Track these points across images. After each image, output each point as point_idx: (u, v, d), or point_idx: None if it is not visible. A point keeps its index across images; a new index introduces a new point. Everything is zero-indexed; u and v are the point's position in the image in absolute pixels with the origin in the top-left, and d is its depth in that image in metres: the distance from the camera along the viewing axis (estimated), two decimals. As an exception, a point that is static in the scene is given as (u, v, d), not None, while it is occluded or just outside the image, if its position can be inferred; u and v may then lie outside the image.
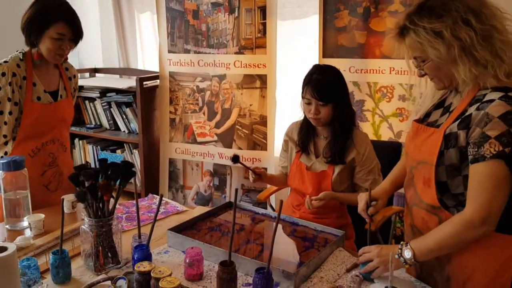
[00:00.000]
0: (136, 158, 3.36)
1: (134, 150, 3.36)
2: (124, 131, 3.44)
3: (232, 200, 2.97)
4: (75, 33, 1.97)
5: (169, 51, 3.12)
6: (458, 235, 1.27)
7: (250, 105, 2.95)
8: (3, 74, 1.94)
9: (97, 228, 1.47)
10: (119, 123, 3.45)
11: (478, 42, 1.23)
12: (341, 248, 1.65)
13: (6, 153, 2.04)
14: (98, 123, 3.54)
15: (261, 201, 2.50)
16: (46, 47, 1.96)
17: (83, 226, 1.51)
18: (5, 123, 1.98)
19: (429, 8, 1.26)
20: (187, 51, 3.06)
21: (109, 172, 1.49)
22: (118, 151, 3.43)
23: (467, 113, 1.28)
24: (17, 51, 2.03)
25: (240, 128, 2.99)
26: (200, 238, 1.66)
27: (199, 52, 3.03)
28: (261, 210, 1.93)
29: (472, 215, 1.25)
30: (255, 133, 2.96)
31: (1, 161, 1.76)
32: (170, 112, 3.19)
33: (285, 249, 1.66)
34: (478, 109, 1.25)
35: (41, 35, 1.94)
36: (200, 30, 3.00)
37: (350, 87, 2.74)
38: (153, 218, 1.51)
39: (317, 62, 2.77)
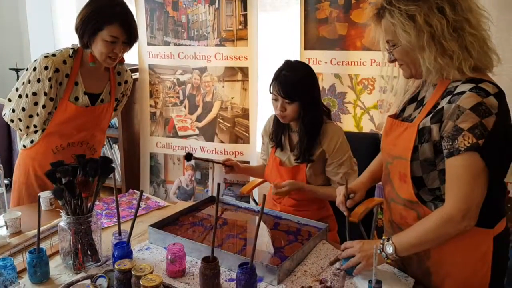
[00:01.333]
0: (116, 153, 3.30)
1: (114, 145, 3.30)
2: (103, 126, 3.37)
3: (215, 194, 2.95)
4: (129, 36, 1.89)
5: (149, 43, 3.06)
6: (439, 230, 1.27)
7: (232, 98, 2.91)
8: (46, 68, 1.88)
9: (75, 225, 1.44)
10: (98, 117, 3.38)
11: (448, 31, 1.23)
12: (324, 241, 1.65)
13: (32, 141, 2.02)
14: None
15: (244, 195, 2.49)
16: (98, 50, 1.88)
17: (61, 224, 1.47)
18: (37, 114, 1.95)
19: None
20: (167, 43, 3.01)
21: (87, 168, 1.46)
22: (98, 145, 3.36)
23: (439, 107, 1.28)
24: (71, 45, 1.97)
25: (222, 121, 2.96)
26: (182, 234, 1.64)
27: (179, 44, 2.98)
28: (244, 204, 1.92)
29: (451, 209, 1.25)
30: (237, 127, 2.93)
31: (-25, 158, 1.70)
32: (151, 105, 3.14)
33: (268, 243, 1.65)
34: (449, 102, 1.25)
35: (94, 37, 1.86)
36: (180, 22, 2.95)
37: (332, 79, 2.74)
38: (133, 214, 1.49)
39: (298, 54, 2.75)
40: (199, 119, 3.03)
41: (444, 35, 1.23)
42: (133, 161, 3.23)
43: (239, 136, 2.93)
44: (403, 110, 1.45)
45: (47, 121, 1.99)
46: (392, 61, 1.37)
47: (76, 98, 1.98)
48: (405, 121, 1.39)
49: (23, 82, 1.94)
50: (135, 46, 3.08)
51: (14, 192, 2.14)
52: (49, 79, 1.89)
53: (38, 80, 1.90)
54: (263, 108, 2.90)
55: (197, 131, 3.05)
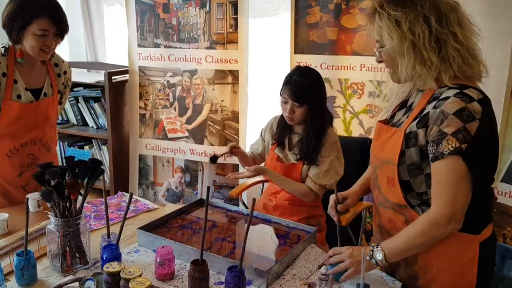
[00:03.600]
0: (104, 154, 3.28)
1: (103, 146, 3.29)
2: (92, 127, 3.36)
3: (204, 197, 2.95)
4: (59, 28, 1.86)
5: (139, 45, 3.05)
6: (426, 234, 1.29)
7: (222, 100, 2.92)
8: None
9: (64, 228, 1.43)
10: (87, 119, 3.36)
11: (429, 42, 1.25)
12: (313, 245, 1.66)
13: None
14: (65, 119, 3.44)
15: (233, 198, 2.49)
16: (29, 44, 1.84)
17: (49, 226, 1.46)
18: None
19: None
20: (157, 45, 3.01)
21: (76, 170, 1.45)
22: (86, 147, 3.35)
23: (425, 111, 1.30)
24: (1, 44, 1.91)
25: (211, 124, 2.96)
26: (171, 237, 1.64)
27: (169, 47, 2.98)
28: (233, 207, 1.92)
29: (437, 213, 1.26)
30: (227, 129, 2.94)
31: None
32: (140, 107, 3.13)
33: (257, 246, 1.66)
34: (434, 107, 1.27)
35: (23, 32, 1.82)
36: (171, 24, 2.95)
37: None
38: (122, 217, 1.48)
39: (288, 58, 2.77)
40: (189, 122, 3.03)
41: (425, 45, 1.25)
42: (122, 163, 3.21)
43: (229, 138, 2.94)
44: (393, 116, 1.47)
45: None
46: (379, 61, 1.40)
47: (19, 96, 1.92)
48: (394, 126, 1.40)
49: None
50: (125, 48, 3.11)
51: None
52: None
53: None
54: (253, 111, 2.91)
55: (186, 134, 3.05)
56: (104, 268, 1.31)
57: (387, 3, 1.28)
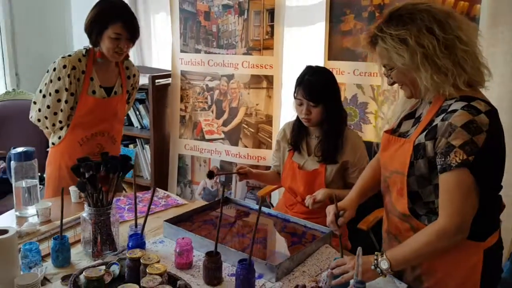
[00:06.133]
0: (147, 153, 3.47)
1: (146, 145, 3.48)
2: (137, 127, 3.57)
3: (238, 197, 3.07)
4: (131, 33, 2.13)
5: (181, 51, 3.22)
6: (433, 244, 1.31)
7: (257, 104, 3.03)
8: (64, 66, 2.13)
9: (95, 216, 1.58)
10: (132, 119, 3.58)
11: (440, 50, 1.27)
12: (327, 245, 1.72)
13: (60, 137, 2.25)
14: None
15: (261, 198, 2.58)
16: (105, 46, 2.13)
17: (83, 215, 1.62)
18: (61, 110, 2.18)
19: (397, 17, 1.32)
20: (198, 51, 3.16)
21: (108, 165, 1.60)
22: (131, 145, 3.56)
23: (433, 124, 1.33)
24: (83, 47, 2.22)
25: (246, 126, 3.08)
26: (193, 230, 1.75)
27: (209, 52, 3.12)
28: (255, 206, 2.02)
29: (445, 224, 1.29)
30: (261, 132, 3.04)
31: (13, 152, 1.89)
32: (181, 109, 3.30)
33: (274, 243, 1.74)
34: (443, 119, 1.30)
35: (100, 35, 2.12)
36: (211, 31, 3.10)
37: (354, 90, 2.80)
38: (153, 210, 1.62)
39: (322, 64, 2.83)
40: (225, 124, 3.16)
41: (437, 53, 1.28)
42: (163, 161, 3.39)
43: (262, 141, 3.03)
44: (399, 125, 1.50)
45: (71, 116, 2.21)
46: (391, 84, 1.43)
47: (94, 92, 2.21)
48: (402, 136, 1.44)
49: (45, 83, 2.17)
50: (169, 53, 3.29)
51: (48, 187, 2.33)
52: (68, 76, 2.13)
53: (59, 78, 2.13)
54: (286, 115, 2.99)
55: (222, 135, 3.18)
56: (127, 254, 1.44)
57: (386, 26, 1.32)
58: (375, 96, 2.76)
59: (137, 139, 3.54)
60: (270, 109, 3.00)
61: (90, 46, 2.21)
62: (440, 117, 1.32)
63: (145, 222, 1.60)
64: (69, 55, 2.16)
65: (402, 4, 1.35)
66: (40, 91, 2.19)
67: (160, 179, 3.39)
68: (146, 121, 3.49)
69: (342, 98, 2.87)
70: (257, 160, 3.04)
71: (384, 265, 1.34)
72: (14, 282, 1.23)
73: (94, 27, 2.12)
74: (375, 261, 1.36)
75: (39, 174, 2.30)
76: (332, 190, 1.97)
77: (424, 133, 1.35)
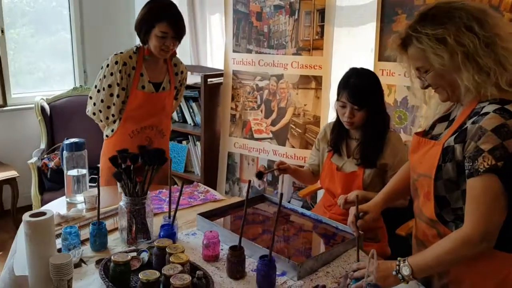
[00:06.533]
0: (198, 150, 3.58)
1: (197, 142, 3.59)
2: (190, 124, 3.69)
3: (284, 195, 3.08)
4: (176, 32, 2.24)
5: (234, 51, 3.29)
6: (457, 252, 1.26)
7: (305, 105, 3.02)
8: (116, 63, 2.28)
9: (131, 205, 1.67)
10: (186, 116, 3.70)
11: (481, 48, 1.22)
12: (356, 248, 1.69)
13: (112, 130, 2.42)
14: (170, 116, 3.82)
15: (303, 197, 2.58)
16: (152, 44, 2.26)
17: (121, 203, 1.71)
18: (114, 104, 2.33)
19: (432, 16, 1.27)
20: (249, 51, 3.22)
21: (144, 158, 1.68)
22: (184, 142, 3.68)
23: (464, 126, 1.27)
24: (135, 45, 2.38)
25: (294, 127, 3.08)
26: (224, 224, 1.80)
27: (260, 52, 3.17)
28: (289, 205, 2.02)
29: (470, 231, 1.23)
30: (308, 133, 3.03)
31: (65, 143, 2.04)
32: (231, 108, 3.37)
33: (302, 242, 1.74)
34: (473, 122, 1.24)
35: (148, 34, 2.25)
36: (262, 31, 3.14)
37: (404, 92, 2.71)
38: (191, 204, 1.68)
39: (372, 65, 2.77)
40: (273, 123, 3.19)
41: (478, 52, 1.22)
42: (213, 158, 3.48)
43: (309, 142, 3.02)
44: (432, 127, 1.45)
45: (122, 110, 2.34)
46: (425, 87, 1.38)
47: (143, 87, 2.33)
48: (434, 139, 1.39)
49: (100, 79, 2.32)
50: (222, 53, 3.38)
51: (102, 177, 2.47)
52: (120, 71, 2.26)
53: (111, 74, 2.28)
54: (334, 116, 2.95)
55: (271, 135, 3.21)
56: (155, 243, 1.51)
57: (421, 25, 1.27)
58: (426, 99, 2.65)
59: (189, 136, 3.66)
60: (318, 110, 2.98)
61: (140, 44, 2.34)
62: (472, 119, 1.26)
63: (175, 214, 1.66)
64: (121, 52, 2.31)
65: (434, 4, 1.30)
66: (95, 86, 2.35)
67: (210, 176, 3.48)
68: (199, 119, 3.60)
69: (392, 100, 2.81)
70: (304, 161, 3.03)
71: (405, 271, 1.30)
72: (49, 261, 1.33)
73: (143, 26, 2.25)
74: (397, 267, 1.32)
75: (98, 165, 2.49)
76: (366, 192, 1.94)
77: (454, 136, 1.29)
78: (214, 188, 3.43)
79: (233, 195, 3.37)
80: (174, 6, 2.29)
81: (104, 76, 2.30)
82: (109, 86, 2.29)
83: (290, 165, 2.15)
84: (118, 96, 2.30)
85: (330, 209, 2.13)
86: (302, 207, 2.88)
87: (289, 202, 3.06)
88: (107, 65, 2.30)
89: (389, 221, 2.13)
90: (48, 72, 4.20)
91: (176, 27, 2.23)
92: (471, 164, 1.22)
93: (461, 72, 1.25)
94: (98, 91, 2.33)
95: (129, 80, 2.30)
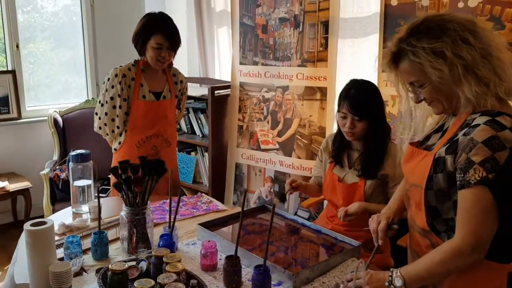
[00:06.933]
0: (206, 161, 3.62)
1: (206, 153, 3.63)
2: (198, 135, 3.74)
3: (291, 207, 3.09)
4: (171, 42, 2.33)
5: (240, 63, 3.34)
6: (448, 263, 1.26)
7: (310, 116, 3.04)
8: (116, 75, 2.37)
9: (131, 215, 1.70)
10: (195, 127, 3.75)
11: (480, 60, 1.21)
12: (354, 259, 1.69)
13: (120, 143, 2.49)
14: (178, 127, 3.87)
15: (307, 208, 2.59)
16: (149, 55, 2.35)
17: (122, 213, 1.75)
18: (117, 115, 2.41)
19: (425, 30, 1.25)
20: (255, 63, 3.26)
21: (144, 168, 1.72)
22: (193, 153, 3.73)
23: (455, 138, 1.27)
24: (133, 59, 2.48)
25: (299, 138, 3.10)
26: (225, 235, 1.82)
27: (266, 64, 3.20)
28: (290, 216, 2.04)
29: (461, 242, 1.23)
30: (314, 144, 3.05)
31: (71, 154, 2.09)
32: (239, 119, 3.41)
33: (300, 253, 1.75)
34: (465, 134, 1.24)
35: (144, 45, 2.35)
36: (268, 44, 3.18)
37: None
38: (194, 214, 1.70)
39: (376, 77, 2.78)
40: (279, 134, 3.21)
41: (477, 64, 1.22)
42: (220, 169, 3.51)
43: (315, 153, 3.03)
44: (427, 138, 1.45)
45: (126, 122, 2.42)
46: (419, 101, 1.36)
47: (144, 96, 2.41)
48: (427, 149, 1.39)
49: (103, 93, 2.41)
50: (229, 65, 3.43)
51: (113, 189, 2.54)
52: (120, 83, 2.35)
53: (112, 87, 2.37)
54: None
55: (277, 146, 3.23)
56: (153, 252, 1.54)
57: (416, 39, 1.25)
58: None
59: (197, 147, 3.70)
60: (323, 120, 3.00)
61: (139, 58, 2.43)
62: (463, 131, 1.26)
63: (173, 224, 1.69)
64: (120, 66, 2.40)
65: (424, 17, 1.29)
66: (99, 101, 2.44)
67: (218, 186, 3.51)
68: (207, 130, 3.64)
69: (396, 111, 2.80)
70: (310, 172, 3.04)
71: (398, 282, 1.30)
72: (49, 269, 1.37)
73: (139, 38, 2.35)
74: (390, 278, 1.32)
75: (109, 176, 2.55)
76: (367, 204, 1.94)
77: (446, 146, 1.30)
78: (222, 198, 3.46)
79: (240, 205, 3.39)
80: (169, 18, 2.38)
81: (106, 90, 2.39)
82: (111, 98, 2.37)
83: (301, 182, 2.19)
84: (120, 107, 2.38)
85: (332, 220, 2.13)
86: (308, 217, 2.89)
87: (296, 213, 3.07)
88: (108, 79, 2.39)
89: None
90: (66, 85, 4.31)
91: (171, 38, 2.32)
92: (462, 175, 1.22)
93: (462, 85, 1.24)
94: (102, 105, 2.41)
95: (129, 90, 2.38)
